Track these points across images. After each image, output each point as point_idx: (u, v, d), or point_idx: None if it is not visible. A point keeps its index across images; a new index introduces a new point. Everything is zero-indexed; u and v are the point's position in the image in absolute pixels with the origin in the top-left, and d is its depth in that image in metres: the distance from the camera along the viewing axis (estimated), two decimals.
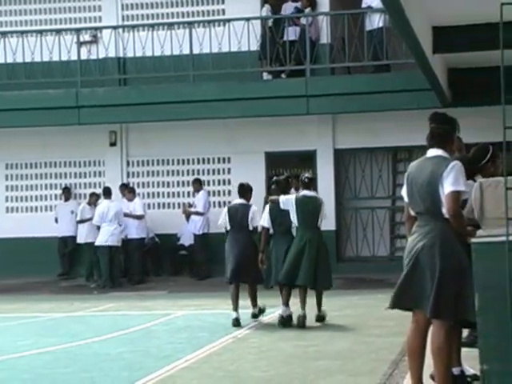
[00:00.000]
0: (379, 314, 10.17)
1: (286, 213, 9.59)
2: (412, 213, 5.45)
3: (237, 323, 9.68)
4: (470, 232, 5.13)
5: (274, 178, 10.36)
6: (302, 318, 9.39)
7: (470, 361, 6.00)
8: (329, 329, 9.40)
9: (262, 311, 10.25)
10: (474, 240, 4.85)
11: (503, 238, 4.36)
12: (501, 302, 4.44)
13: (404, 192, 5.51)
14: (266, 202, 13.52)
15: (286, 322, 9.54)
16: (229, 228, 10.07)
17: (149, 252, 16.21)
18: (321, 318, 9.73)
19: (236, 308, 9.81)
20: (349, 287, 13.04)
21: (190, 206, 16.06)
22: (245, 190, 10.19)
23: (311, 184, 9.88)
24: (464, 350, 6.21)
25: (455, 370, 5.71)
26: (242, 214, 9.95)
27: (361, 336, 8.81)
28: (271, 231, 9.88)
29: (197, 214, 15.72)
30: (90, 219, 15.57)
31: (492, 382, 4.63)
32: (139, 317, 10.98)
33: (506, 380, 4.38)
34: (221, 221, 10.20)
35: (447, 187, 5.12)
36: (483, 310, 4.68)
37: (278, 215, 9.73)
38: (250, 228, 9.94)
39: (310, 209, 9.55)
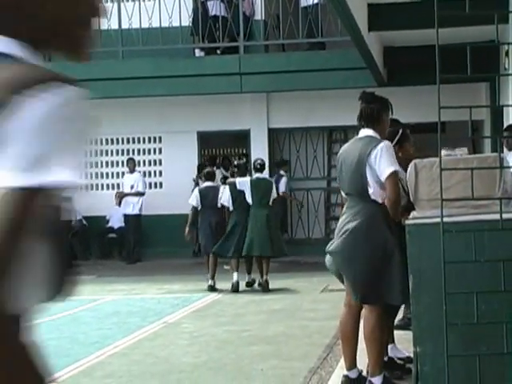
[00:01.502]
0: (313, 297, 10.30)
1: (244, 193, 11.21)
2: (343, 194, 5.52)
3: (212, 289, 11.29)
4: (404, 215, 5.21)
5: (236, 162, 12.33)
6: (266, 283, 11.11)
7: (404, 343, 6.12)
8: (263, 313, 9.47)
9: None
10: (408, 222, 4.93)
11: (437, 220, 4.44)
12: (435, 284, 4.52)
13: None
14: (196, 183, 14.05)
15: (250, 285, 11.59)
16: (200, 208, 11.76)
17: (76, 235, 16.05)
18: (267, 283, 11.18)
19: (213, 276, 11.34)
20: (283, 270, 13.13)
21: (122, 193, 15.87)
22: (211, 175, 12.16)
23: (263, 168, 11.60)
24: (398, 332, 6.33)
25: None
26: (212, 194, 11.69)
27: (295, 320, 8.89)
28: (231, 209, 11.46)
29: (137, 194, 15.60)
30: None
31: (425, 364, 4.72)
32: (66, 302, 10.85)
33: (439, 362, 4.48)
34: (195, 202, 11.82)
35: (384, 171, 5.15)
36: (417, 293, 4.76)
37: (238, 195, 11.22)
38: (219, 206, 11.61)
39: (263, 189, 11.18)
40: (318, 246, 15.53)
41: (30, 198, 1.17)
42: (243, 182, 11.18)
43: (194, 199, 11.82)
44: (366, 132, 5.39)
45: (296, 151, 16.52)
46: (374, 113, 5.39)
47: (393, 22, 10.42)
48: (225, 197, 11.38)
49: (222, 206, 11.48)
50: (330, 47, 15.40)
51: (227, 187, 11.46)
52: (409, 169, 5.11)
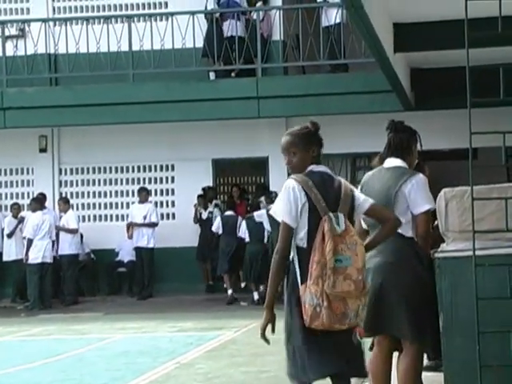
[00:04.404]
0: None
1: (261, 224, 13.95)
2: (364, 226, 5.37)
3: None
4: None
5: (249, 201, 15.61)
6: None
7: None
8: (281, 353, 9.38)
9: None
10: (437, 255, 4.90)
11: (469, 253, 4.42)
12: (467, 321, 4.49)
13: None
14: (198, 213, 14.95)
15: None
16: (220, 232, 14.68)
17: (83, 269, 16.07)
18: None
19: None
20: None
21: (135, 224, 15.81)
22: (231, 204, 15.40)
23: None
24: (427, 374, 6.27)
25: None
26: (231, 223, 14.61)
27: None
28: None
29: (151, 225, 15.57)
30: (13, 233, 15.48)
31: None
32: (72, 341, 10.88)
33: None
34: (215, 227, 14.88)
35: (420, 206, 5.14)
36: (448, 331, 4.73)
37: (254, 227, 14.08)
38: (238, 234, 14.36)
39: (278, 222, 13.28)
40: None
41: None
42: (260, 214, 13.82)
43: (216, 226, 14.75)
44: (394, 162, 5.31)
45: None
46: (404, 143, 5.36)
47: (420, 42, 10.43)
48: (242, 229, 14.16)
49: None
50: (354, 69, 15.44)
51: (244, 221, 14.20)
52: (438, 198, 5.10)
